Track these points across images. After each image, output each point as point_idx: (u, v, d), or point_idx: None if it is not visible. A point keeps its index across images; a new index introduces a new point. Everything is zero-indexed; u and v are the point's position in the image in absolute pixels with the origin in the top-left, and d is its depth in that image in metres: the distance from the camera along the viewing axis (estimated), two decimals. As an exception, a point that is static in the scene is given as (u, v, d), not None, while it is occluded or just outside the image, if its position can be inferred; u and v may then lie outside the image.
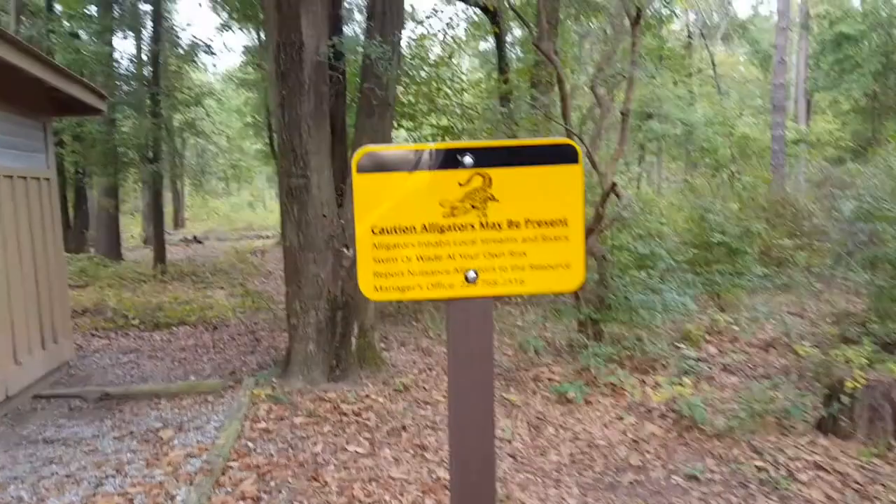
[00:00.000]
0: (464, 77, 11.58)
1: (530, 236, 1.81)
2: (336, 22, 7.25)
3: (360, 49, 6.68)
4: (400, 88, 10.00)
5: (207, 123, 19.93)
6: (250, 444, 5.14)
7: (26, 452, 5.26)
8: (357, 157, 1.77)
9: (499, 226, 1.81)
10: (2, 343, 6.05)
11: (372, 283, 1.79)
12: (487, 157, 1.78)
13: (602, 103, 7.27)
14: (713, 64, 34.93)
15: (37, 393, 6.66)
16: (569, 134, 6.80)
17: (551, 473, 4.68)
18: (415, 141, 10.22)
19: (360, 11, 14.50)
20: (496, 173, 1.79)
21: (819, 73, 30.64)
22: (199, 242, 25.31)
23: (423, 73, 10.38)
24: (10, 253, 6.23)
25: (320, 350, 6.43)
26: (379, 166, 1.76)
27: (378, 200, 1.77)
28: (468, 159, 1.77)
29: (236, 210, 39.60)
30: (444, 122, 10.89)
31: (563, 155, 1.79)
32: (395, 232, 1.78)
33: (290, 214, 6.31)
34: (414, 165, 1.76)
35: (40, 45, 14.24)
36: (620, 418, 5.69)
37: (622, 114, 6.65)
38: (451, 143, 1.77)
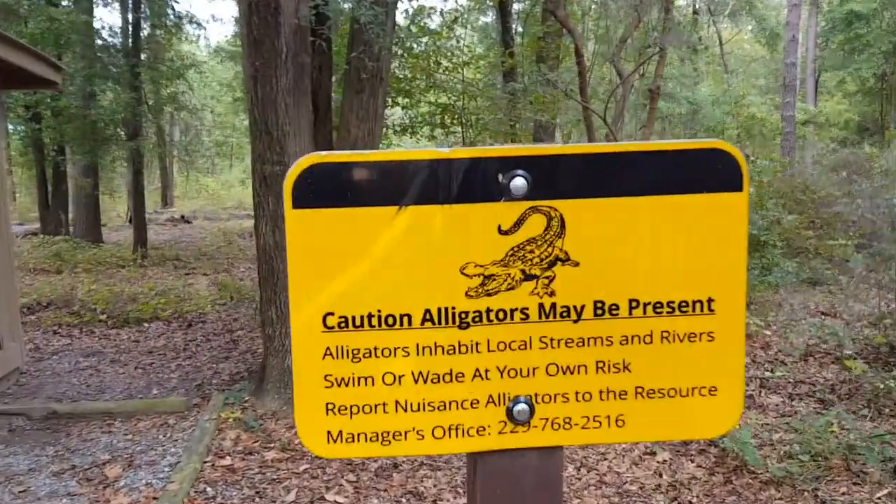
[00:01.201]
0: (465, 49, 10.60)
1: (640, 333, 0.91)
2: (321, -19, 6.25)
3: (348, 11, 5.70)
4: (396, 63, 9.04)
5: (192, 98, 18.93)
6: (209, 490, 4.28)
7: (-57, 494, 4.40)
8: (293, 174, 0.85)
9: (577, 312, 0.90)
10: (-75, 356, 5.15)
11: (322, 426, 0.88)
12: (557, 178, 0.87)
13: (625, 80, 6.32)
14: (720, 41, 34.05)
15: (-26, 409, 5.79)
16: (588, 112, 5.86)
17: (577, 537, 3.82)
18: (411, 122, 9.21)
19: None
20: (573, 210, 0.87)
21: (827, 53, 29.88)
22: (187, 222, 24.42)
23: (421, 45, 9.41)
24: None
25: (300, 364, 5.54)
26: (337, 194, 0.85)
27: (335, 262, 0.85)
28: (519, 182, 0.86)
29: (227, 188, 38.61)
30: (443, 99, 9.95)
31: (708, 173, 0.88)
32: (371, 326, 0.88)
33: (265, 207, 5.37)
34: (409, 192, 0.85)
35: (13, 12, 13.22)
36: (652, 453, 4.83)
37: (651, 91, 5.72)
38: (483, 150, 0.85)
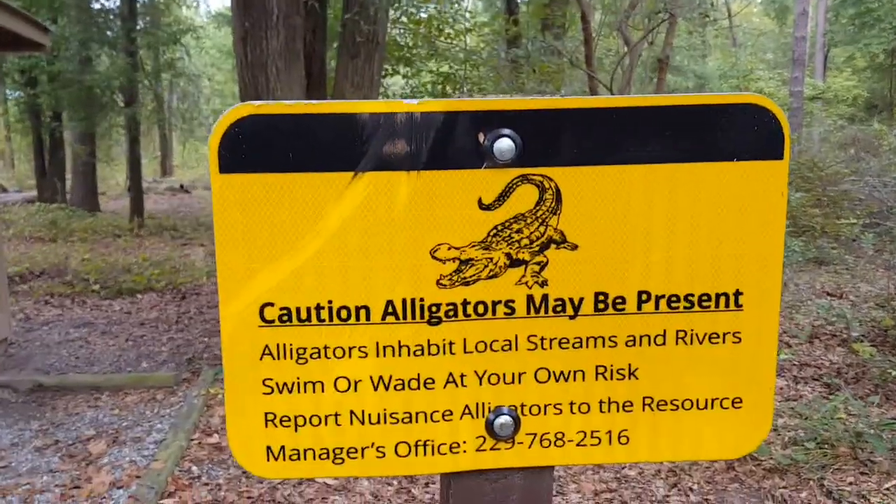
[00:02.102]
0: (468, 16, 10.31)
1: (651, 332, 0.73)
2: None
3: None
4: (397, 30, 8.78)
5: (190, 65, 18.64)
6: (195, 469, 4.15)
7: (-79, 468, 4.29)
8: (220, 129, 0.66)
9: (575, 306, 0.72)
10: None
11: (261, 440, 0.71)
12: (552, 140, 0.69)
13: (632, 49, 6.10)
14: (729, 14, 33.60)
15: (-42, 380, 5.68)
16: (593, 82, 5.65)
17: (573, 524, 3.69)
18: (412, 92, 8.94)
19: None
20: (571, 180, 0.70)
21: (837, 27, 29.51)
22: (187, 192, 24.25)
23: (422, 10, 9.14)
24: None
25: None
26: (277, 155, 0.67)
27: (276, 241, 0.68)
28: (505, 144, 0.68)
29: (228, 157, 38.39)
30: (445, 68, 9.70)
31: (741, 135, 0.70)
32: (320, 320, 0.71)
33: (256, 177, 5.20)
34: (367, 155, 0.67)
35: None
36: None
37: (659, 61, 5.50)
38: (460, 102, 0.67)
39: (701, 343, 0.77)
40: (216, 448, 4.47)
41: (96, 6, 15.60)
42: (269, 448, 0.75)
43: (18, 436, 4.82)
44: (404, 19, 8.53)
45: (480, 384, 0.76)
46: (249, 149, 0.70)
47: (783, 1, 33.37)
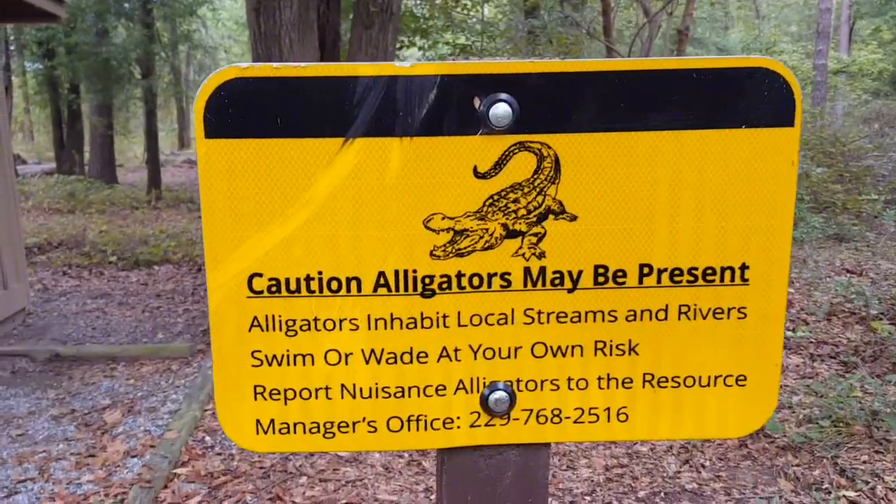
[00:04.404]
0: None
1: (652, 307, 0.71)
2: None
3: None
4: (412, 1, 8.69)
5: (206, 37, 18.60)
6: (208, 439, 4.19)
7: (-59, 435, 4.37)
8: (205, 92, 0.64)
9: (573, 279, 0.70)
10: (-75, 295, 5.09)
11: (250, 413, 0.70)
12: (551, 105, 0.65)
13: (651, 19, 5.99)
14: (753, -16, 32.97)
15: (-22, 349, 5.76)
16: (611, 53, 5.55)
17: (582, 500, 3.69)
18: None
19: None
20: (571, 147, 0.67)
21: (863, -1, 28.89)
22: (204, 164, 24.38)
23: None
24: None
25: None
26: (265, 119, 0.64)
27: (263, 209, 0.65)
28: (502, 109, 0.65)
29: (245, 130, 38.48)
30: (461, 39, 9.59)
31: (750, 100, 0.66)
32: (310, 291, 0.69)
33: (269, 149, 5.18)
34: (357, 120, 0.64)
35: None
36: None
37: (679, 32, 5.40)
38: (454, 65, 0.64)
39: (705, 318, 0.74)
40: (229, 419, 4.51)
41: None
42: (258, 421, 0.74)
43: (35, 404, 4.89)
44: (420, -10, 8.43)
45: (475, 358, 0.74)
46: (236, 113, 0.67)
47: (809, -29, 32.70)
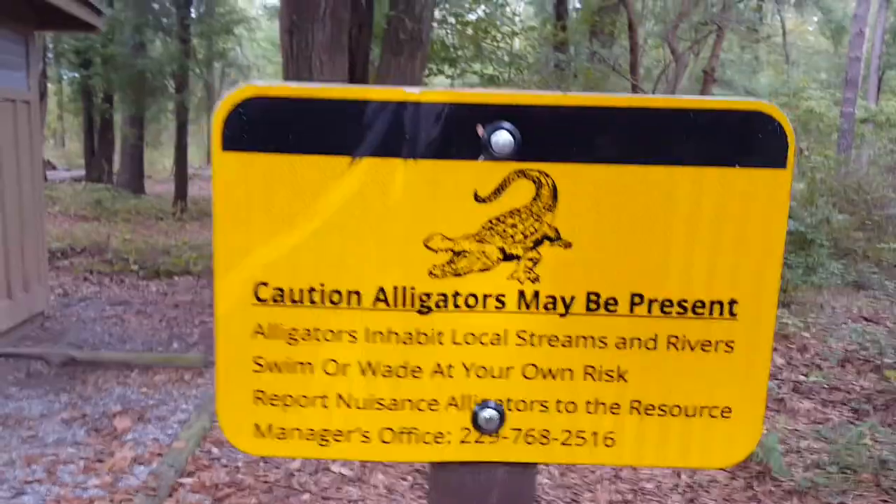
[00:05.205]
0: (516, 19, 10.29)
1: (642, 335, 0.73)
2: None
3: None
4: (443, 31, 8.81)
5: (241, 55, 18.94)
6: (215, 451, 4.21)
7: (-46, 432, 4.43)
8: (224, 107, 0.68)
9: (566, 304, 0.72)
10: (-51, 293, 5.19)
11: (249, 417, 0.73)
12: (551, 135, 0.69)
13: (679, 59, 6.02)
14: (783, 31, 32.98)
15: (-3, 349, 5.84)
16: (636, 91, 5.59)
17: (585, 533, 3.66)
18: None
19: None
20: (569, 177, 0.70)
21: (894, 50, 28.74)
22: (230, 179, 24.67)
23: (471, 13, 9.15)
24: (-35, 187, 5.33)
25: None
26: (278, 135, 0.68)
27: (273, 220, 0.69)
28: (503, 137, 0.68)
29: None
30: (489, 70, 9.70)
31: (745, 141, 0.69)
32: (312, 302, 0.72)
33: (293, 167, 5.26)
34: (366, 140, 0.68)
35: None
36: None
37: (705, 72, 5.43)
38: (460, 94, 0.68)
39: (693, 350, 0.77)
40: (237, 432, 4.53)
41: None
42: (256, 425, 0.77)
43: (48, 407, 4.94)
44: (452, 20, 8.55)
45: (468, 376, 0.77)
46: (252, 128, 0.71)
47: (839, 21, 32.65)
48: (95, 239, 10.88)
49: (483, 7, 9.24)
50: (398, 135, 0.72)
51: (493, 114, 0.71)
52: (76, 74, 17.96)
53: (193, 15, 14.87)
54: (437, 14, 6.76)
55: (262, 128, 0.71)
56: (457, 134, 0.72)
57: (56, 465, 4.06)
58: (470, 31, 9.00)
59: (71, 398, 5.09)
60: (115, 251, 10.16)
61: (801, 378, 6.35)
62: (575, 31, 11.64)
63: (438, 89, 0.71)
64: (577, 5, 14.83)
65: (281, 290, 0.75)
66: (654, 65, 13.89)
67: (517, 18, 12.76)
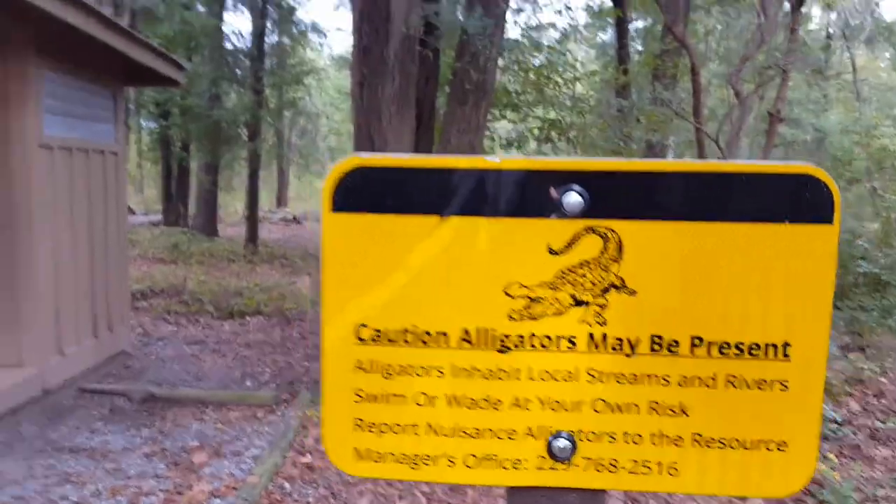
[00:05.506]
0: (577, 64, 10.42)
1: (702, 374, 0.81)
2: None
3: (458, 21, 5.71)
4: (507, 77, 8.99)
5: (310, 104, 19.58)
6: (287, 486, 4.33)
7: (46, 464, 4.68)
8: (334, 176, 0.81)
9: (631, 346, 0.81)
10: (43, 332, 5.51)
11: (349, 442, 0.84)
12: (616, 196, 0.79)
13: (743, 101, 6.02)
14: (853, 68, 32.16)
15: (83, 386, 6.14)
16: (700, 133, 5.62)
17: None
18: (518, 136, 9.13)
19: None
20: (633, 232, 0.79)
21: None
22: (298, 223, 25.24)
23: (534, 60, 9.33)
24: (61, 232, 5.69)
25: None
26: (378, 199, 0.80)
27: (372, 271, 0.81)
28: (573, 198, 0.79)
29: (339, 191, 39.55)
30: (551, 114, 9.81)
31: (795, 200, 0.78)
32: (405, 342, 0.83)
33: (363, 212, 5.45)
34: (453, 202, 0.79)
35: (151, 15, 14.08)
36: (742, 499, 4.54)
37: (770, 114, 5.42)
38: (535, 161, 0.79)
39: (749, 388, 0.84)
40: (308, 468, 4.65)
41: (228, 46, 16.69)
42: (356, 449, 0.87)
43: (130, 441, 5.16)
44: (515, 67, 8.73)
45: (543, 409, 0.86)
46: (357, 194, 0.83)
47: (915, 56, 31.74)
48: (172, 281, 11.30)
49: (545, 53, 9.41)
50: (481, 197, 0.83)
51: (564, 178, 0.82)
52: (156, 125, 18.85)
53: (266, 67, 15.51)
54: (500, 62, 6.94)
55: (364, 193, 0.83)
56: (532, 195, 0.83)
57: (139, 496, 4.23)
58: (532, 76, 9.16)
59: (151, 433, 5.30)
60: (190, 292, 10.53)
61: (878, 424, 6.12)
62: (637, 74, 11.70)
63: (516, 157, 0.82)
64: (640, 48, 14.92)
65: (379, 330, 0.86)
66: (719, 104, 13.81)
67: (579, 63, 12.91)
